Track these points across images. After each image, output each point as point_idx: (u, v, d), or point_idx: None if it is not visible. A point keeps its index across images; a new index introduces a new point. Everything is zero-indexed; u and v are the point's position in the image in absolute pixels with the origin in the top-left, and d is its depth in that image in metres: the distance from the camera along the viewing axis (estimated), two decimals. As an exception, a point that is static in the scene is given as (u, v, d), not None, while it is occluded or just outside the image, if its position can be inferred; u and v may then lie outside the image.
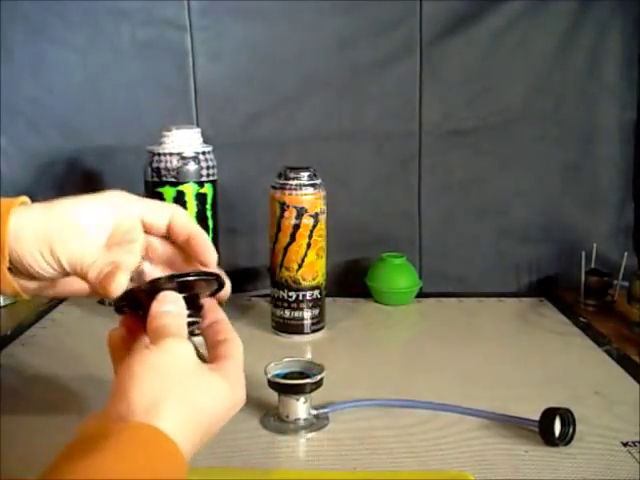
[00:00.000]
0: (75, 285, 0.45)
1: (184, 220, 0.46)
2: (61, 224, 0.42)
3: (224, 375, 0.40)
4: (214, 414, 0.38)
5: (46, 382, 0.64)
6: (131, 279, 0.42)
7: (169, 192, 0.73)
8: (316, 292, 0.77)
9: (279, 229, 0.75)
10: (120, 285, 0.41)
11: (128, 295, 0.42)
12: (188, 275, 0.43)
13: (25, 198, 0.43)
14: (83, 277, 0.42)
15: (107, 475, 0.31)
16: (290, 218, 0.74)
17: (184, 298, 0.42)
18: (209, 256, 0.46)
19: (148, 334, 0.40)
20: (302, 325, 0.77)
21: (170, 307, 0.41)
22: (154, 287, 0.42)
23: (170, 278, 0.42)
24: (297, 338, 0.77)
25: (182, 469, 0.34)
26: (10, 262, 0.41)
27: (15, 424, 0.55)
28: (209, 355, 0.42)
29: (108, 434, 0.33)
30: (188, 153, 0.73)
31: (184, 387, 0.37)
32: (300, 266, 0.76)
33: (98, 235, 0.43)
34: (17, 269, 0.42)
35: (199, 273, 0.44)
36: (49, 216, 0.42)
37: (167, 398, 0.36)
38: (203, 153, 0.74)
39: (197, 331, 0.44)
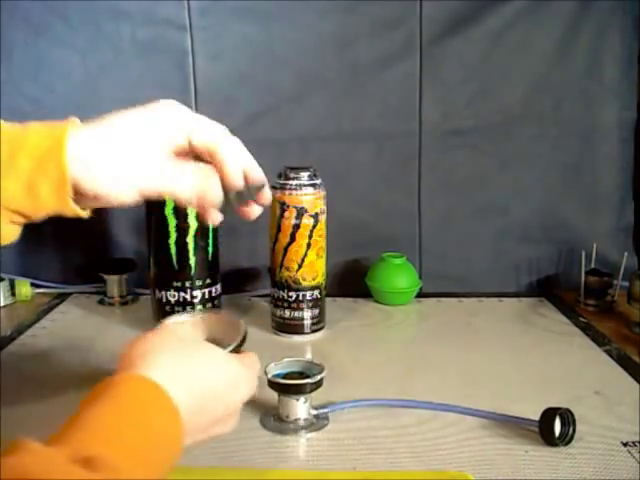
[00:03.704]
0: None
1: (231, 150, 0.45)
2: (127, 149, 0.42)
3: (234, 357, 0.43)
4: (214, 382, 0.41)
5: (46, 382, 0.64)
6: None
7: (169, 192, 0.73)
8: (316, 292, 0.77)
9: (279, 229, 0.75)
10: (217, 221, 0.46)
11: None
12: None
13: (73, 119, 0.45)
14: (172, 196, 0.44)
15: (102, 423, 0.33)
16: (290, 218, 0.74)
17: None
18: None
19: None
20: (302, 325, 0.77)
21: None
22: None
23: None
24: (297, 338, 0.77)
25: (172, 414, 0.36)
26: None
27: (15, 424, 0.55)
28: None
29: (107, 386, 0.35)
30: (188, 153, 0.73)
31: (184, 348, 0.40)
32: (300, 266, 0.76)
33: (162, 149, 0.44)
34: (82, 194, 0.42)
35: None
36: (110, 140, 0.43)
37: (163, 351, 0.39)
38: (203, 153, 0.74)
39: None
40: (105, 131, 0.43)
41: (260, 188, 0.47)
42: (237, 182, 0.45)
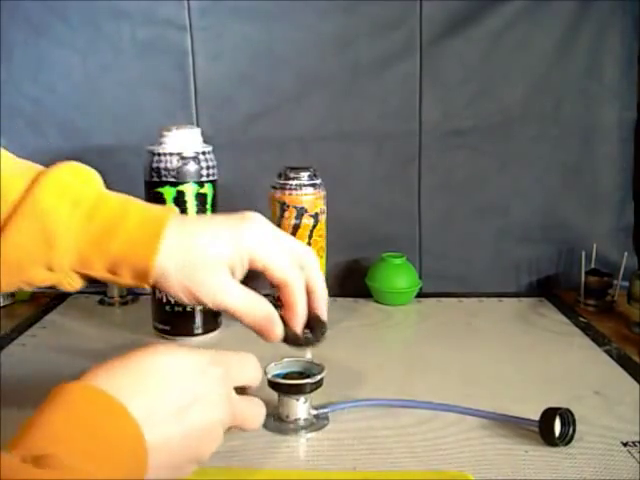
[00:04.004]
0: None
1: (294, 294, 0.48)
2: (200, 264, 0.45)
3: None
4: (166, 372, 0.38)
5: (46, 382, 0.64)
6: None
7: (169, 192, 0.73)
8: (316, 292, 0.77)
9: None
10: (279, 338, 0.47)
11: None
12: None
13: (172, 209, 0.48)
14: (234, 317, 0.47)
15: (52, 424, 0.33)
16: (290, 218, 0.74)
17: None
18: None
19: None
20: (302, 325, 0.77)
21: None
22: None
23: None
24: (297, 338, 0.77)
25: (121, 416, 0.34)
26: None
27: (15, 424, 0.55)
28: None
29: (58, 391, 0.35)
30: (188, 153, 0.73)
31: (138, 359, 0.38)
32: (300, 266, 0.76)
33: (240, 270, 0.47)
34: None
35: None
36: (189, 252, 0.45)
37: (116, 363, 0.38)
38: (203, 153, 0.74)
39: None
40: (189, 244, 0.46)
41: (320, 336, 0.51)
42: (297, 327, 0.49)
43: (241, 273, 0.48)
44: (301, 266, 0.49)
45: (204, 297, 0.46)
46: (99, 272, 0.45)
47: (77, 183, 0.46)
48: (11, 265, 0.44)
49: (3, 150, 0.47)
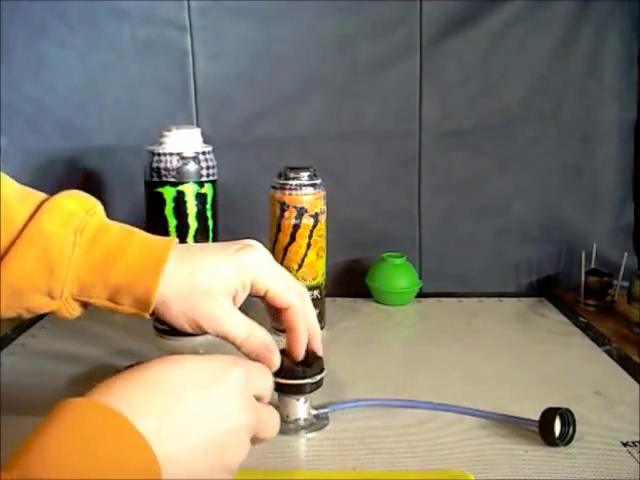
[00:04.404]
0: None
1: (297, 315, 0.49)
2: (201, 291, 0.46)
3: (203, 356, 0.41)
4: (179, 383, 0.36)
5: (46, 382, 0.64)
6: None
7: (169, 192, 0.73)
8: (316, 292, 0.77)
9: (279, 229, 0.75)
10: (276, 366, 0.47)
11: None
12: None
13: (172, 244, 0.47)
14: (234, 345, 0.47)
15: (48, 446, 0.31)
16: (290, 218, 0.74)
17: None
18: (296, 355, 0.52)
19: None
20: (302, 325, 0.77)
21: None
22: None
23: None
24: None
25: (129, 436, 0.33)
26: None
27: (15, 424, 0.55)
28: None
29: (58, 409, 0.33)
30: (188, 153, 0.73)
31: (163, 383, 0.37)
32: (300, 266, 0.76)
33: (240, 296, 0.48)
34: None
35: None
36: (191, 280, 0.46)
37: (123, 378, 0.36)
38: (203, 153, 0.74)
39: None
40: (191, 273, 0.46)
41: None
42: (300, 351, 0.51)
43: (242, 299, 0.48)
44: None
45: (205, 324, 0.46)
46: (99, 300, 0.46)
47: (80, 211, 0.46)
48: (12, 291, 0.44)
49: (5, 175, 0.47)
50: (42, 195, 0.47)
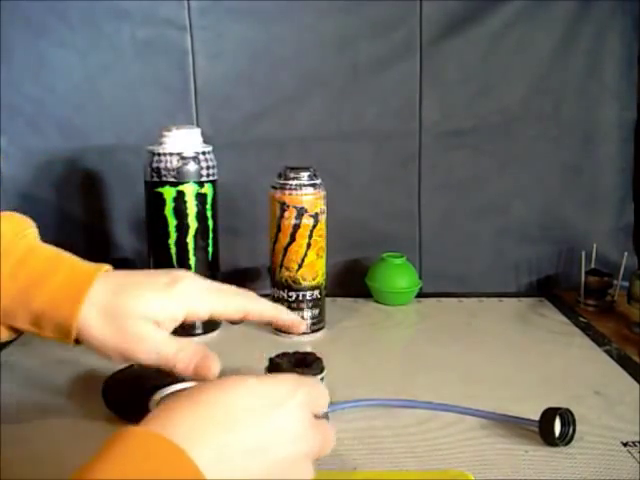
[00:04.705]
0: None
1: (260, 311, 0.49)
2: (127, 317, 0.45)
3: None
4: (233, 408, 0.35)
5: (46, 382, 0.64)
6: None
7: (169, 192, 0.73)
8: (316, 292, 0.77)
9: (279, 229, 0.75)
10: (216, 373, 0.45)
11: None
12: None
13: (104, 271, 0.47)
14: (167, 366, 0.45)
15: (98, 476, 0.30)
16: (290, 218, 0.74)
17: None
18: (294, 328, 0.51)
19: None
20: (302, 325, 0.77)
21: None
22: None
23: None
24: (297, 338, 0.77)
25: (186, 469, 0.32)
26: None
27: (15, 424, 0.55)
28: None
29: (115, 439, 0.32)
30: (188, 153, 0.73)
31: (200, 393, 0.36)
32: (300, 266, 0.76)
33: (168, 327, 0.47)
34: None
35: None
36: (116, 308, 0.45)
37: (181, 403, 0.35)
38: (203, 153, 0.74)
39: None
40: (114, 300, 0.45)
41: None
42: (287, 316, 0.51)
43: (171, 328, 0.47)
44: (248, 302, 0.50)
45: (131, 347, 0.45)
46: (23, 325, 0.45)
47: (10, 233, 0.46)
48: None
49: None
50: None
